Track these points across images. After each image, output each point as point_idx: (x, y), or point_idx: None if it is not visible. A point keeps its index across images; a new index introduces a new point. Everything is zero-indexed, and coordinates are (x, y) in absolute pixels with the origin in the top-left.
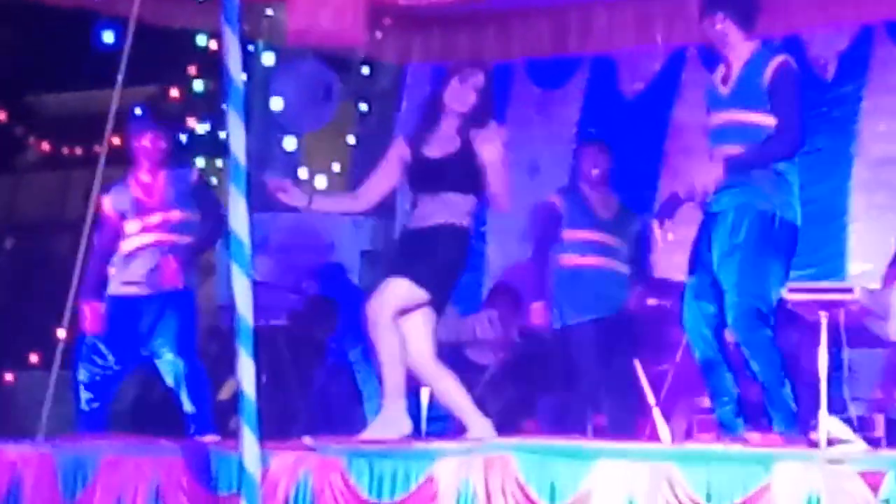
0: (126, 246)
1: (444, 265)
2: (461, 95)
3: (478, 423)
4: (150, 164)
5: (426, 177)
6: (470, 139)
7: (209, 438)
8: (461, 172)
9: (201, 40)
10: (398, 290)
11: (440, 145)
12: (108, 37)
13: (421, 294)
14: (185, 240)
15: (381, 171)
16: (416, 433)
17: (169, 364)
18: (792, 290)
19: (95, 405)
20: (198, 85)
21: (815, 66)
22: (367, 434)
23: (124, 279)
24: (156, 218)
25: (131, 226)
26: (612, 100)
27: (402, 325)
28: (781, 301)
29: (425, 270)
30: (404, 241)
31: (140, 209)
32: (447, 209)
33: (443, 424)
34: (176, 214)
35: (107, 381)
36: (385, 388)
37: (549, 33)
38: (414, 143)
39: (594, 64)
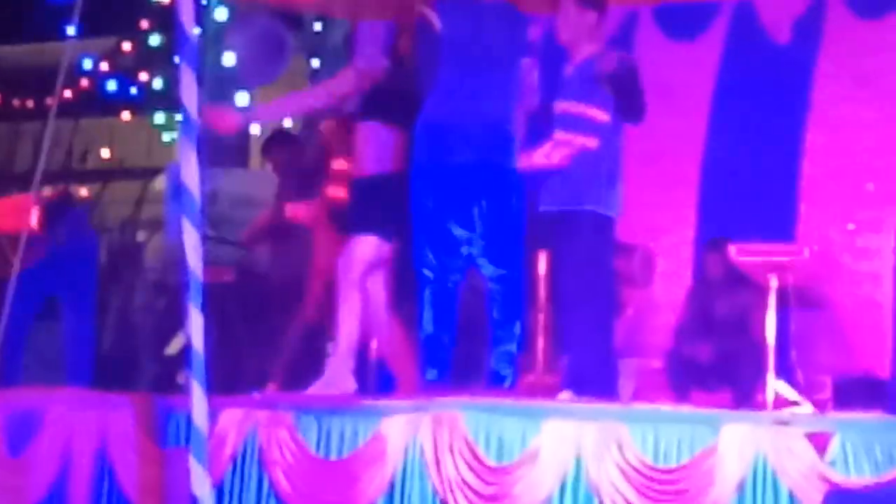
0: None
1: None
2: None
3: (408, 379)
4: None
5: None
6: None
7: None
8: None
9: None
10: (367, 248)
11: None
12: None
13: (387, 248)
14: None
15: (343, 74)
16: (365, 390)
17: None
18: (741, 252)
19: None
20: (151, 39)
21: (768, 30)
22: (312, 391)
23: None
24: None
25: None
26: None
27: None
28: (731, 264)
29: (385, 221)
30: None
31: None
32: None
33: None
34: None
35: None
36: (338, 345)
37: None
38: None
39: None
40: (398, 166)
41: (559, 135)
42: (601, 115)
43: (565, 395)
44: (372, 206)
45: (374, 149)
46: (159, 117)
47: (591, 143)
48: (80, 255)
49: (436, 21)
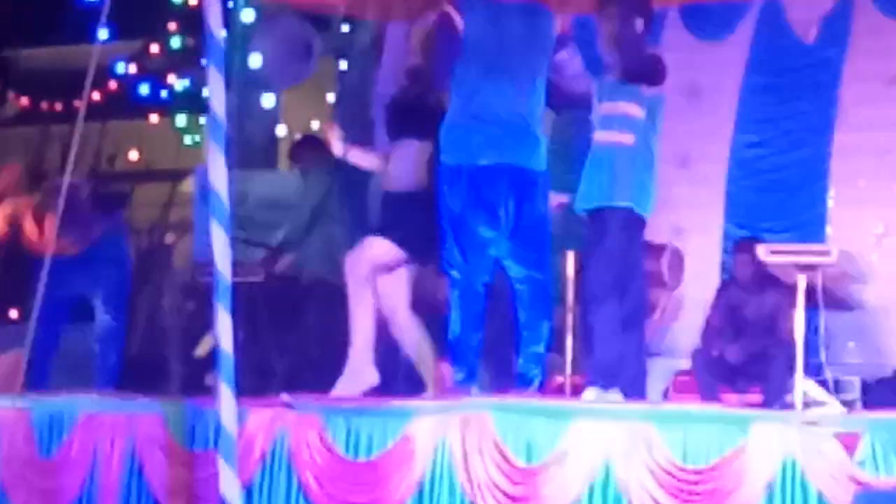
0: None
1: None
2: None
3: (434, 382)
4: None
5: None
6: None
7: None
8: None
9: None
10: (376, 248)
11: None
12: None
13: (399, 253)
14: None
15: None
16: (392, 389)
17: None
18: (770, 253)
19: None
20: (178, 41)
21: (796, 30)
22: (336, 389)
23: None
24: None
25: None
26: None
27: (381, 278)
28: (759, 263)
29: (404, 231)
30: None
31: None
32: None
33: None
34: None
35: None
36: (353, 340)
37: None
38: None
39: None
40: (424, 180)
41: (599, 135)
42: (636, 111)
43: (591, 393)
44: (397, 218)
45: (401, 163)
46: (181, 119)
47: (628, 139)
48: (113, 256)
49: (458, 21)
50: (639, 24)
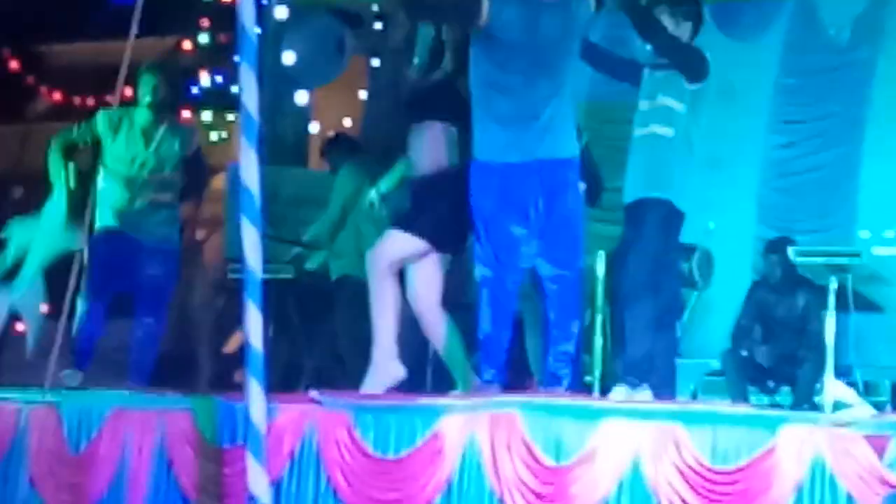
0: None
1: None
2: None
3: (467, 379)
4: None
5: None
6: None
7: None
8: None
9: None
10: (395, 242)
11: None
12: None
13: (420, 245)
14: None
15: None
16: (421, 386)
17: None
18: (801, 254)
19: None
20: (209, 38)
21: (829, 30)
22: (363, 385)
23: None
24: None
25: None
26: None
27: (411, 270)
28: (790, 265)
29: (426, 221)
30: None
31: None
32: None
33: None
34: None
35: None
36: (376, 336)
37: None
38: None
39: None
40: (450, 162)
41: (640, 128)
42: (678, 105)
43: (620, 392)
44: (423, 203)
45: (428, 149)
46: (207, 115)
47: (668, 132)
48: (163, 252)
49: (484, 12)
50: (686, 26)
